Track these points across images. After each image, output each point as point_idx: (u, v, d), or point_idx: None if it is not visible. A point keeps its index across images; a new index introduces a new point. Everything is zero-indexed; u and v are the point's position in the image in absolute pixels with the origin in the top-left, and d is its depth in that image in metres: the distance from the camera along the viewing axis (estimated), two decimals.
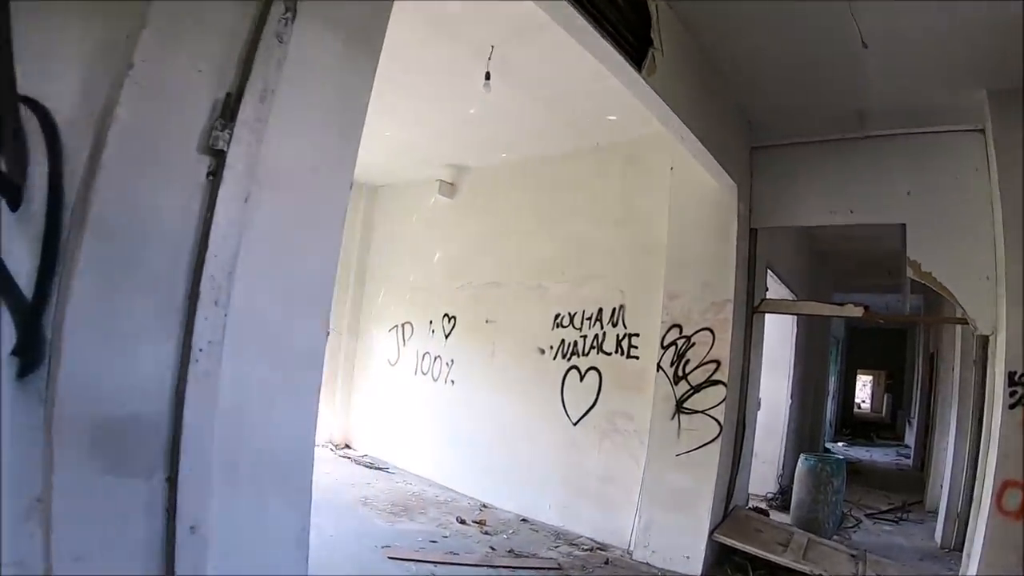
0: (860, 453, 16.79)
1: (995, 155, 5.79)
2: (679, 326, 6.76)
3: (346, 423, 10.52)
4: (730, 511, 7.00)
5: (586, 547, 7.05)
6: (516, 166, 8.75)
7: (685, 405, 6.67)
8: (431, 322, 9.32)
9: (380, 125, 7.96)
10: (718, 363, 6.54)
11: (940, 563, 7.42)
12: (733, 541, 6.49)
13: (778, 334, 10.08)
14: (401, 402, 9.69)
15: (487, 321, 8.58)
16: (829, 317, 14.54)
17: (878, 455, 16.87)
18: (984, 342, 6.32)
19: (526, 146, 8.37)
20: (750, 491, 9.53)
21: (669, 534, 6.59)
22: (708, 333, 6.61)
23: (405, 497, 8.21)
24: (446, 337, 9.08)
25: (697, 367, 6.63)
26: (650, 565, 6.60)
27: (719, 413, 6.50)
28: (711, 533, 6.46)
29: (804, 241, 10.76)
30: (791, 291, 9.70)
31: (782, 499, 9.04)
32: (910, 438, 17.28)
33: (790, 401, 10.16)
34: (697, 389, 6.62)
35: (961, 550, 7.07)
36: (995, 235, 5.84)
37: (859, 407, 29.95)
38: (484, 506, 8.15)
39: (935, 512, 9.07)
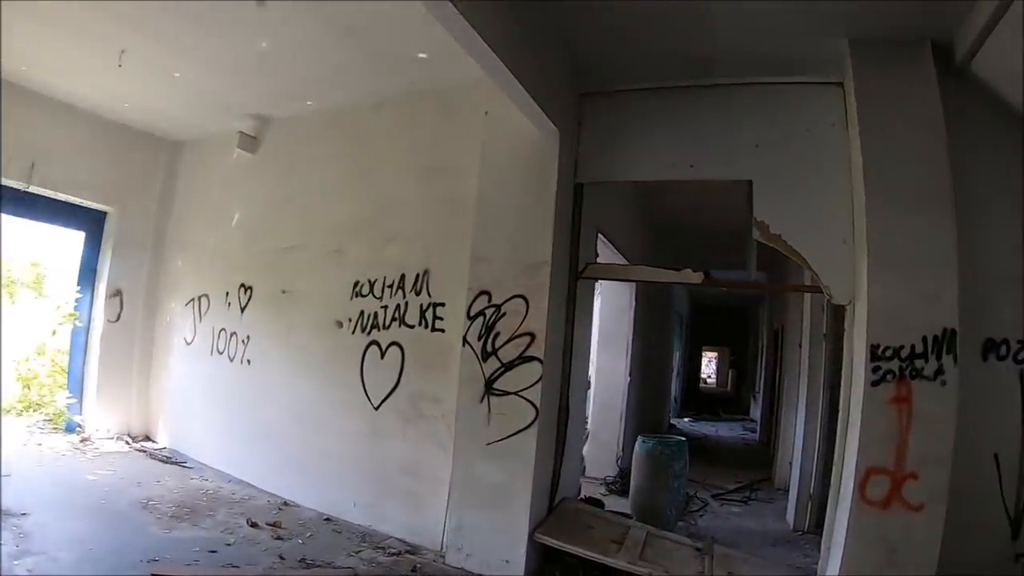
0: (706, 428, 16.16)
1: (856, 109, 4.94)
2: (488, 293, 5.38)
3: (146, 412, 8.54)
4: (557, 505, 5.72)
5: (393, 551, 5.66)
6: (322, 116, 7.12)
7: (495, 386, 5.32)
8: (227, 294, 7.53)
9: (168, 63, 6.32)
10: (532, 336, 5.20)
11: (794, 548, 6.53)
12: (557, 541, 5.24)
13: (615, 308, 9.01)
14: (198, 386, 7.87)
15: (283, 292, 6.87)
16: (670, 291, 13.82)
17: (724, 430, 16.26)
18: (839, 313, 5.37)
19: (332, 92, 6.78)
20: (588, 475, 8.39)
21: (484, 535, 5.31)
22: (521, 301, 5.25)
23: (195, 497, 6.56)
24: (242, 311, 7.33)
25: (508, 341, 5.28)
26: (465, 571, 5.32)
27: (534, 395, 5.20)
28: (532, 533, 5.22)
29: (646, 213, 9.62)
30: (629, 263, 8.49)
31: (622, 483, 7.90)
32: (755, 412, 16.90)
33: (628, 379, 9.02)
34: (509, 367, 5.27)
35: (815, 532, 6.38)
36: (854, 195, 5.02)
37: (705, 383, 30.38)
38: (285, 504, 6.60)
39: (784, 490, 8.28)
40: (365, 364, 6.16)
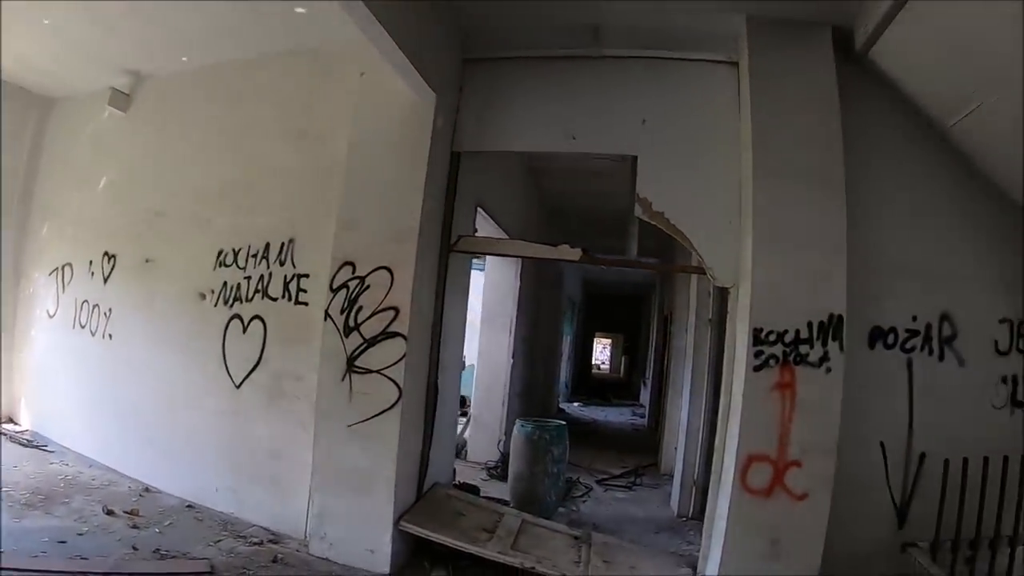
0: (596, 413, 15.86)
1: (750, 90, 4.69)
2: (352, 264, 4.87)
3: (9, 392, 7.60)
4: (427, 491, 5.26)
5: (255, 540, 5.13)
6: (197, 74, 6.41)
7: (358, 363, 4.83)
8: (91, 263, 6.75)
9: (37, 7, 5.51)
10: (396, 310, 4.73)
11: (678, 535, 6.27)
12: (422, 530, 4.82)
13: (500, 288, 8.54)
14: (60, 363, 7.06)
15: (147, 260, 6.16)
16: (561, 275, 13.48)
17: (613, 415, 15.99)
18: (724, 297, 5.11)
19: (208, 47, 6.07)
20: (471, 459, 7.94)
21: (348, 523, 4.83)
22: (386, 273, 4.76)
23: (52, 483, 5.85)
24: (105, 281, 6.56)
25: (372, 315, 4.79)
26: (329, 561, 4.84)
27: (397, 373, 4.74)
28: (397, 521, 4.77)
29: (537, 195, 9.18)
30: None
31: (504, 468, 7.47)
32: (645, 398, 16.76)
33: (512, 360, 8.55)
34: (372, 343, 4.78)
35: (700, 519, 6.05)
36: (742, 177, 4.75)
37: (598, 368, 30.48)
38: (146, 491, 5.94)
39: (670, 475, 8.02)
40: (227, 339, 5.55)
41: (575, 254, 5.04)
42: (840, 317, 4.43)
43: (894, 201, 4.91)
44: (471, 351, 8.34)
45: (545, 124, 5.16)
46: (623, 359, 26.89)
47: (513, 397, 8.65)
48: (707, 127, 4.99)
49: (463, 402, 7.44)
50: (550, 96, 5.21)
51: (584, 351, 24.66)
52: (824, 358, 4.41)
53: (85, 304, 6.74)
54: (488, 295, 8.37)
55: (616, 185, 7.20)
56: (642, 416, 15.18)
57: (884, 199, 4.87)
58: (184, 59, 6.35)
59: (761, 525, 4.38)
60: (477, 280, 7.50)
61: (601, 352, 31.91)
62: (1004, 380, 4.83)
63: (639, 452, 10.01)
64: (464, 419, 8.33)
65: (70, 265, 7.01)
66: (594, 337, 27.30)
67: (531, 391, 10.52)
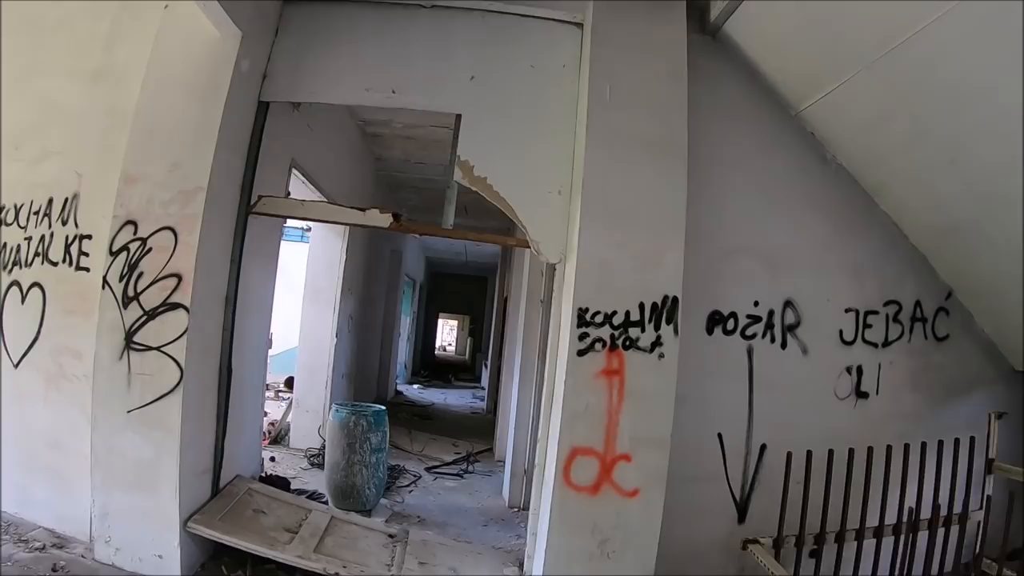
0: (435, 396, 15.11)
1: (591, 52, 4.19)
2: (134, 223, 4.12)
3: None
4: (224, 486, 4.52)
5: (38, 545, 4.32)
6: None
7: (137, 339, 4.06)
8: None
9: None
10: (179, 278, 3.98)
11: (509, 528, 5.73)
12: (213, 532, 4.14)
13: (324, 261, 7.75)
14: None
15: None
16: (400, 252, 12.69)
17: (454, 398, 15.25)
18: (552, 273, 4.48)
19: None
20: (293, 447, 7.22)
21: (133, 524, 4.10)
22: (169, 234, 4.03)
23: None
24: None
25: (153, 283, 4.04)
26: (116, 567, 4.12)
27: (179, 350, 4.01)
28: (186, 521, 4.07)
29: (368, 161, 8.43)
30: None
31: (324, 455, 6.79)
32: (485, 380, 16.06)
33: (336, 339, 7.75)
34: (152, 315, 4.03)
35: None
36: (576, 145, 4.32)
37: (444, 350, 29.99)
38: None
39: (504, 461, 7.48)
40: (5, 311, 4.68)
41: (384, 220, 4.40)
42: (675, 299, 3.98)
43: (740, 182, 4.57)
44: (294, 329, 7.69)
45: (367, 76, 4.51)
46: (469, 341, 26.15)
47: (338, 379, 7.88)
48: (543, 91, 4.47)
49: (290, 383, 6.69)
50: (375, 46, 4.56)
51: (427, 332, 24.04)
52: (657, 343, 3.96)
53: None
54: (311, 269, 7.59)
55: (448, 154, 6.66)
56: (482, 399, 14.43)
57: (729, 179, 4.52)
58: None
59: (588, 524, 3.91)
60: (303, 253, 6.76)
61: (448, 333, 31.40)
62: (848, 370, 4.53)
63: (475, 437, 9.41)
64: (287, 402, 7.61)
65: None
66: (438, 317, 26.58)
67: (363, 372, 9.82)
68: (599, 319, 3.94)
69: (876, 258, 4.66)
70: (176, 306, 3.95)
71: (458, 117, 4.34)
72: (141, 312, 4.01)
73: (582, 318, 3.93)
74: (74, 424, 4.39)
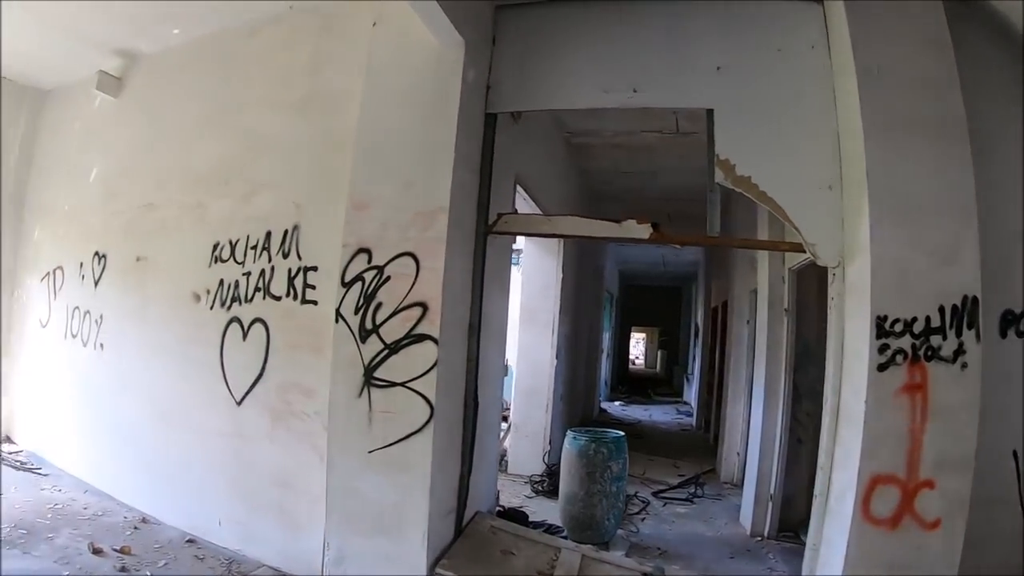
0: (639, 412, 14.10)
1: (850, 29, 3.58)
2: (368, 251, 3.77)
3: (6, 408, 6.59)
4: (467, 524, 4.13)
5: None
6: (191, 48, 5.37)
7: (378, 374, 3.70)
8: (81, 265, 5.73)
9: None
10: (425, 307, 3.61)
11: (757, 559, 5.08)
12: None
13: (540, 281, 7.30)
14: (54, 377, 6.04)
15: (138, 259, 5.11)
16: (602, 266, 12.17)
17: (658, 414, 14.17)
18: (803, 282, 3.85)
19: (202, 17, 5.01)
20: (511, 472, 6.78)
21: (373, 568, 3.72)
22: (410, 260, 3.65)
23: (41, 513, 4.83)
24: (96, 284, 5.53)
25: (394, 314, 3.66)
26: None
27: (428, 386, 3.61)
28: (433, 566, 3.66)
29: (574, 174, 7.94)
30: None
31: (550, 482, 6.28)
32: (689, 395, 15.19)
33: (556, 362, 7.28)
34: (395, 349, 3.66)
35: (778, 539, 5.13)
36: (842, 131, 3.70)
37: (633, 363, 28.25)
38: (143, 521, 4.87)
39: (732, 484, 6.82)
40: (225, 347, 4.48)
41: (643, 231, 3.87)
42: (975, 299, 3.31)
43: (1008, 154, 3.79)
44: (510, 352, 7.02)
45: (598, 76, 4.03)
46: (659, 353, 24.76)
47: (557, 401, 7.42)
48: (792, 74, 3.86)
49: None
50: (602, 43, 4.07)
51: (621, 346, 22.54)
52: (959, 351, 3.30)
53: (76, 311, 5.72)
54: (527, 290, 7.17)
55: (666, 160, 6.10)
56: (688, 415, 13.58)
57: (998, 152, 3.73)
58: (176, 31, 5.32)
59: (885, 562, 3.27)
60: (513, 274, 6.36)
61: (635, 346, 29.56)
62: None
63: (693, 457, 8.69)
64: (504, 426, 7.18)
65: (61, 268, 6.00)
66: (630, 331, 25.11)
67: (573, 392, 9.26)
68: (899, 328, 3.31)
69: None
70: (423, 338, 3.56)
71: (710, 112, 3.81)
72: (382, 346, 3.65)
73: (881, 328, 3.30)
74: (304, 462, 4.11)
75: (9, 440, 6.59)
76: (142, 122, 5.55)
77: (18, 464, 5.95)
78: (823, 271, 3.87)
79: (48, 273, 6.16)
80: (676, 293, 20.62)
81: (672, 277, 18.34)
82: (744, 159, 3.68)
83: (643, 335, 28.75)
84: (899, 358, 3.30)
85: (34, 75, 6.58)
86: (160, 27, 5.29)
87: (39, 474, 5.75)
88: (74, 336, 5.72)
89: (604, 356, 14.91)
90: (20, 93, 6.72)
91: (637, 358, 29.77)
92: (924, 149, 3.44)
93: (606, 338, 15.35)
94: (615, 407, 14.50)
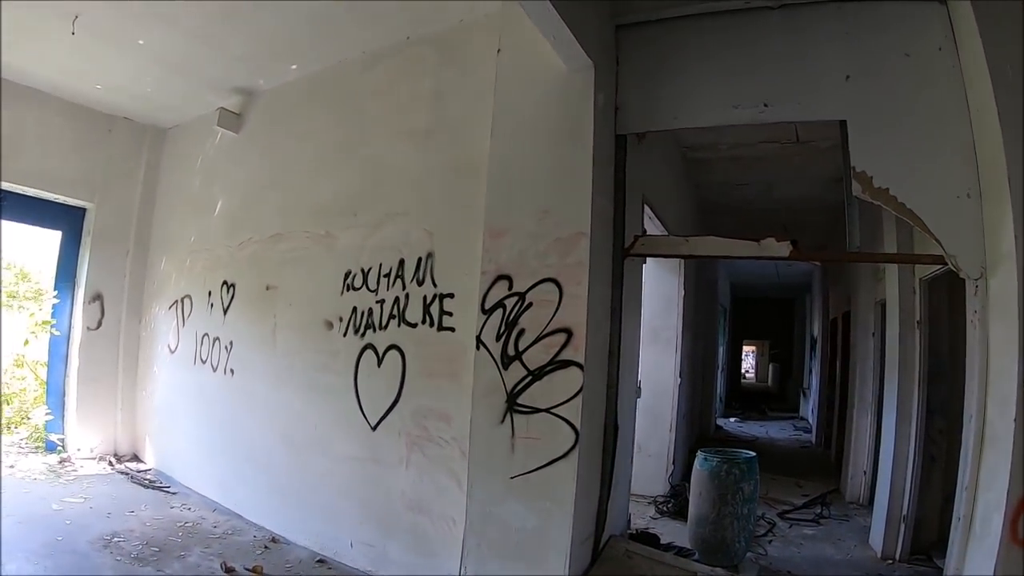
0: (755, 429, 13.48)
1: (976, 25, 3.33)
2: (508, 278, 3.72)
3: (133, 429, 6.98)
4: (603, 548, 4.01)
5: None
6: (308, 83, 5.54)
7: (521, 401, 3.65)
8: (209, 293, 5.96)
9: (127, 29, 4.91)
10: (569, 333, 3.53)
11: None
12: None
13: (662, 299, 7.11)
14: (183, 400, 6.30)
15: (267, 288, 5.26)
16: (716, 280, 11.86)
17: (774, 430, 13.47)
18: (935, 293, 3.61)
19: (317, 52, 5.20)
20: (635, 492, 6.61)
21: None
22: (552, 286, 3.59)
23: (170, 531, 4.98)
24: (224, 312, 5.73)
25: (537, 340, 3.62)
26: None
27: (573, 411, 3.52)
28: None
29: (690, 188, 7.74)
30: None
31: (675, 502, 6.08)
32: (805, 411, 14.47)
33: (679, 380, 7.09)
34: (538, 375, 3.60)
35: (911, 562, 4.84)
36: (976, 135, 3.41)
37: (744, 377, 26.91)
38: (273, 541, 4.98)
39: (858, 504, 6.46)
40: (359, 373, 4.53)
41: (783, 248, 3.70)
42: None
43: None
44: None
45: (726, 91, 3.88)
46: (771, 367, 23.46)
47: (680, 420, 7.23)
48: (919, 78, 3.61)
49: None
50: (727, 58, 3.93)
51: (734, 360, 21.63)
52: None
53: (205, 338, 5.94)
54: (649, 308, 7.00)
55: (781, 171, 5.87)
56: (806, 431, 12.93)
57: None
58: (293, 67, 5.49)
59: None
60: None
61: (745, 359, 27.95)
62: None
63: (815, 475, 8.27)
64: None
65: (189, 297, 6.26)
66: (741, 344, 23.98)
67: (692, 410, 9.02)
68: None
69: None
70: (567, 364, 3.49)
71: (843, 124, 3.61)
72: (525, 372, 3.60)
73: None
74: (441, 487, 4.10)
75: (137, 458, 6.90)
76: (263, 157, 5.74)
77: (147, 481, 6.20)
78: (954, 283, 3.62)
79: (176, 301, 6.43)
80: (788, 304, 19.71)
81: (784, 288, 17.47)
82: (880, 170, 3.47)
83: (753, 348, 27.43)
84: None
85: (153, 115, 6.94)
86: (276, 64, 5.48)
87: (167, 492, 5.97)
88: (203, 361, 5.94)
89: (719, 371, 14.41)
90: (140, 132, 7.11)
91: (748, 371, 28.44)
92: None
93: (720, 352, 14.87)
94: (731, 423, 13.93)
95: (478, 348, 3.76)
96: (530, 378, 3.60)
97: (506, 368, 3.66)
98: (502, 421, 3.67)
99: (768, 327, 21.42)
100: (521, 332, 3.63)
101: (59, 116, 6.45)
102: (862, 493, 6.59)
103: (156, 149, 7.16)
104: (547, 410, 3.55)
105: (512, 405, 3.64)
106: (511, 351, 3.65)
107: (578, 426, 3.47)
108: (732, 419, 14.56)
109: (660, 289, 6.96)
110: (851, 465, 6.94)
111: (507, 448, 3.66)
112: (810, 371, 13.35)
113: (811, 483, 7.69)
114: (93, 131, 6.76)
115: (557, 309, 3.54)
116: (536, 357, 3.59)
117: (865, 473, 6.47)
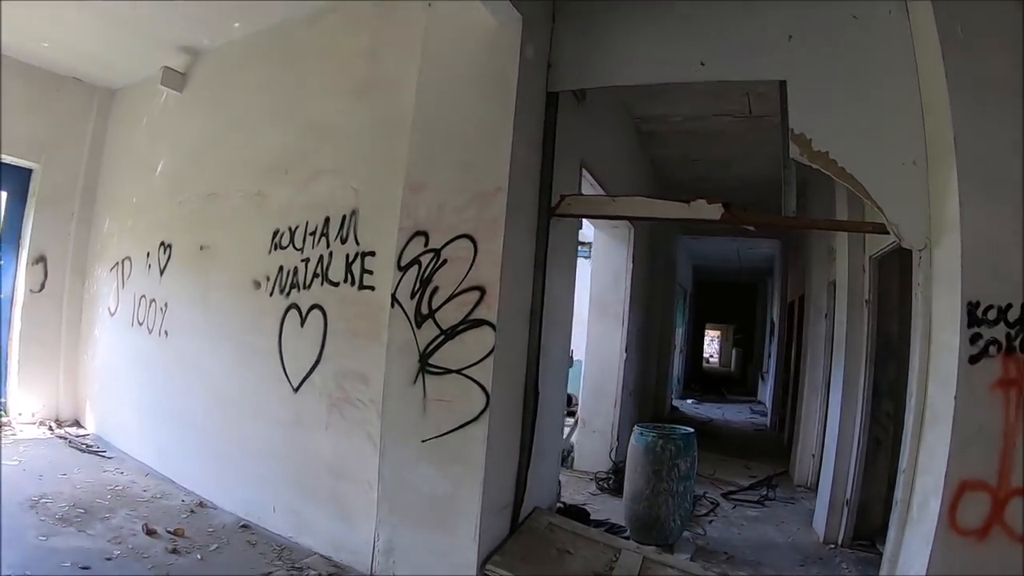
0: (711, 411, 13.57)
1: None
2: (424, 234, 3.59)
3: (75, 393, 6.79)
4: (525, 520, 3.89)
5: (314, 573, 3.91)
6: (252, 41, 5.32)
7: (433, 361, 3.52)
8: (148, 254, 5.77)
9: None
10: (483, 291, 3.41)
11: (829, 568, 4.68)
12: None
13: (610, 272, 6.97)
14: (121, 363, 6.13)
15: (201, 248, 5.10)
16: (674, 259, 11.73)
17: (731, 413, 13.61)
18: (884, 271, 3.51)
19: (263, 10, 4.96)
20: (578, 468, 6.52)
21: (422, 561, 3.57)
22: (467, 243, 3.46)
23: (99, 494, 4.82)
24: (161, 273, 5.55)
25: (450, 298, 3.49)
26: None
27: (484, 373, 3.41)
28: (483, 563, 3.45)
29: (643, 162, 7.58)
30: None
31: (616, 479, 5.96)
32: (763, 394, 14.55)
33: (625, 356, 6.94)
34: (451, 335, 3.48)
35: (852, 547, 4.75)
36: (925, 101, 3.32)
37: (707, 362, 27.20)
38: (200, 505, 4.84)
39: (806, 487, 6.38)
40: (284, 334, 4.38)
41: (714, 211, 3.58)
42: None
43: None
44: (578, 345, 6.78)
45: (664, 50, 3.75)
46: (734, 352, 23.75)
47: (626, 397, 7.09)
48: (872, 43, 3.50)
49: (569, 401, 5.98)
50: (668, 16, 3.79)
51: (695, 344, 21.83)
52: None
53: (143, 299, 5.76)
54: (597, 281, 6.86)
55: (739, 147, 5.75)
56: (763, 414, 13.01)
57: None
58: (236, 25, 5.30)
59: None
60: (583, 268, 6.06)
61: (709, 344, 28.53)
62: None
63: (766, 457, 8.22)
64: (571, 421, 6.95)
65: (129, 259, 6.07)
66: (704, 328, 24.22)
67: (644, 389, 8.90)
68: (992, 315, 2.93)
69: None
70: (479, 323, 3.37)
71: (782, 84, 3.50)
72: (438, 331, 3.48)
73: (972, 315, 2.93)
74: (359, 451, 3.96)
75: (78, 424, 6.73)
76: (206, 115, 5.55)
77: (84, 447, 6.03)
78: (906, 261, 3.52)
79: (117, 263, 6.24)
80: (751, 289, 19.71)
81: (747, 272, 17.48)
82: (821, 133, 3.35)
83: (717, 333, 27.63)
84: (992, 349, 2.93)
85: (102, 76, 6.69)
86: (221, 22, 5.29)
87: (104, 457, 5.80)
88: (140, 323, 5.76)
89: (677, 353, 14.42)
90: (89, 92, 6.88)
91: (711, 356, 28.74)
92: (1013, 116, 3.05)
93: (679, 334, 14.83)
94: (688, 405, 14.01)
95: (393, 306, 3.63)
96: (443, 337, 3.47)
97: (419, 327, 3.54)
98: (414, 382, 3.55)
99: (732, 312, 21.47)
100: (435, 290, 3.50)
101: (6, 75, 6.21)
102: (810, 476, 6.52)
103: (104, 110, 6.92)
104: (458, 371, 3.43)
105: (424, 365, 3.52)
106: (424, 309, 3.52)
107: (489, 388, 3.35)
108: (690, 401, 14.60)
109: (609, 263, 6.84)
110: (800, 448, 6.87)
111: (419, 410, 3.54)
112: (769, 355, 13.36)
113: (761, 465, 7.64)
114: (42, 91, 6.51)
115: (471, 266, 3.41)
116: (449, 316, 3.46)
117: (813, 456, 6.40)
